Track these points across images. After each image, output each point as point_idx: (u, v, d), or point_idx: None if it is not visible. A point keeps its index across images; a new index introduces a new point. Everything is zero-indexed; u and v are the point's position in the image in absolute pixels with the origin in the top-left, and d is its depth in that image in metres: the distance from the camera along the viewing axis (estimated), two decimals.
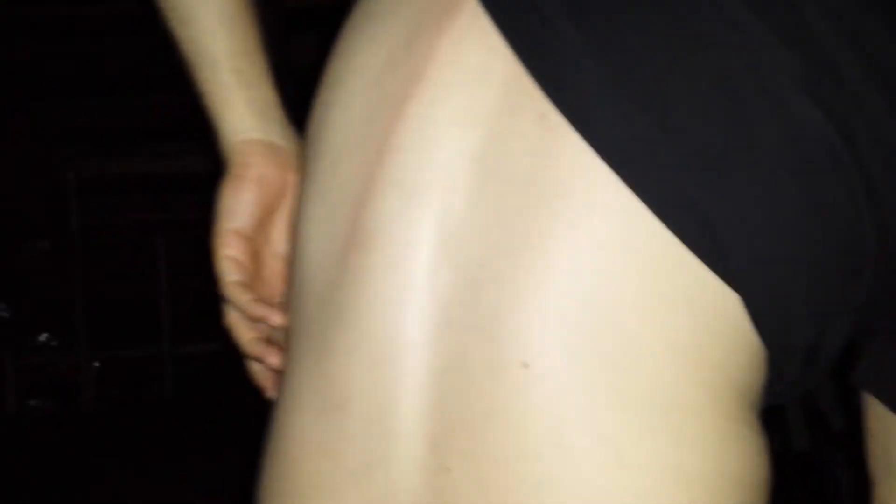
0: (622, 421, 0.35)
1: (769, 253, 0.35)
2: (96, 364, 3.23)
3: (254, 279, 0.48)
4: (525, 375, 0.35)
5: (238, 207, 0.48)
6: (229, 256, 0.47)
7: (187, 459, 2.32)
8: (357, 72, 0.42)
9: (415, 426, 0.37)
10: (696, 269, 0.35)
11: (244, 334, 0.48)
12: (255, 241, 0.48)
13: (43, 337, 3.25)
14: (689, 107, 0.35)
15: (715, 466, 0.36)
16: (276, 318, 0.46)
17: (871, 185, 0.36)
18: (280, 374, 0.45)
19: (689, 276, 0.35)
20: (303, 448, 0.40)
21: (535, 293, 0.35)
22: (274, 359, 0.46)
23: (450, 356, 0.37)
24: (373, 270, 0.38)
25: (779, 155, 0.35)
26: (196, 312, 2.36)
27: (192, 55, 0.49)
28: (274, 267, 0.49)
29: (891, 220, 0.36)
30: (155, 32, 0.50)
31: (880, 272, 0.37)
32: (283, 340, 0.46)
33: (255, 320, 0.47)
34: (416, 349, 0.37)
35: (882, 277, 0.37)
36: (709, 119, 0.35)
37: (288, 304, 0.45)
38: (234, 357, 0.49)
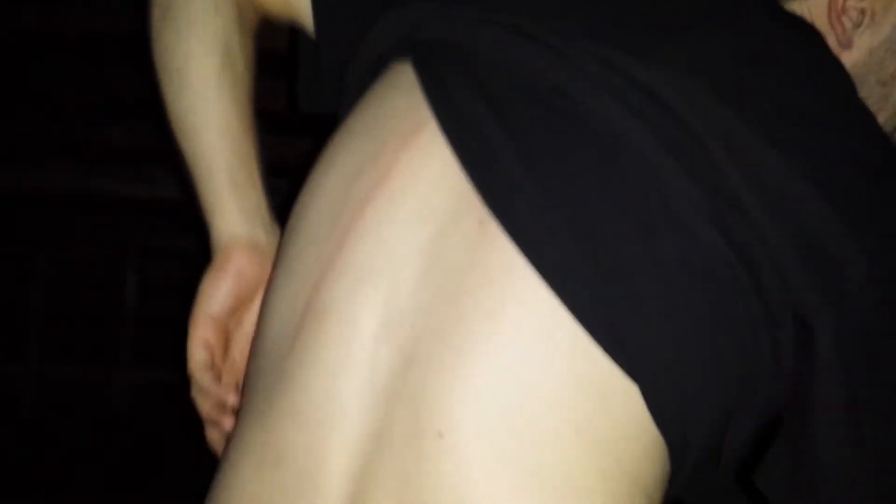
0: (523, 495, 0.38)
1: (666, 348, 0.41)
2: None
3: (222, 357, 0.55)
4: (438, 444, 0.39)
5: (215, 295, 0.54)
6: (200, 338, 0.54)
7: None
8: (332, 175, 0.49)
9: (340, 485, 0.41)
10: (601, 360, 0.40)
11: (203, 405, 0.54)
12: (226, 325, 0.55)
13: None
14: (605, 227, 0.42)
15: None
16: (231, 399, 0.53)
17: (769, 306, 0.42)
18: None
19: (594, 365, 0.40)
20: (239, 500, 0.43)
21: (456, 371, 0.40)
22: (227, 423, 0.53)
23: (378, 423, 0.41)
24: (320, 343, 0.43)
25: (681, 272, 0.41)
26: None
27: (192, 164, 0.56)
28: (242, 347, 0.56)
29: (784, 339, 0.42)
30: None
31: (773, 383, 0.43)
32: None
33: (212, 397, 0.53)
34: (350, 415, 0.42)
35: (775, 388, 0.43)
36: (621, 237, 0.41)
37: (247, 372, 0.50)
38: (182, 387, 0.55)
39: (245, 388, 0.49)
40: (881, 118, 0.55)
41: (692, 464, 0.44)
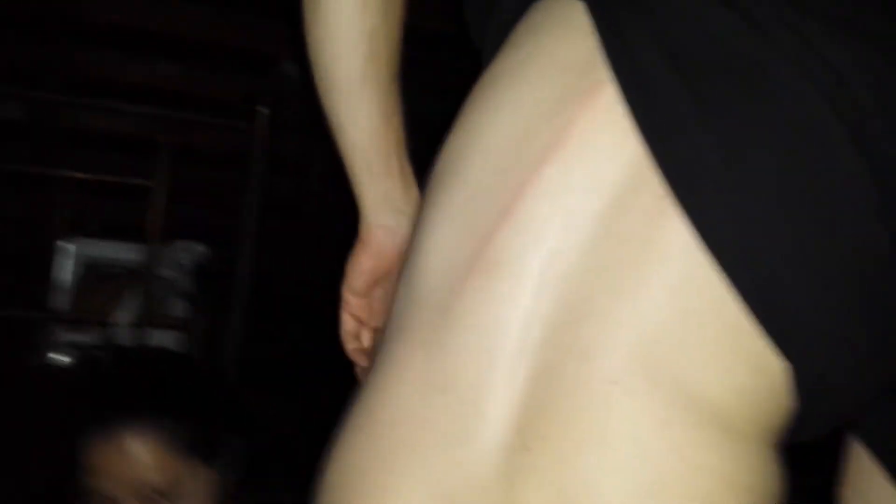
0: (692, 436, 0.41)
1: (822, 337, 0.43)
2: None
3: (362, 324, 0.70)
4: (613, 390, 0.42)
5: (357, 270, 0.68)
6: (348, 311, 0.70)
7: None
8: (497, 126, 0.49)
9: (504, 412, 0.43)
10: (755, 336, 0.42)
11: (359, 367, 0.71)
12: (370, 296, 0.69)
13: None
14: (785, 214, 0.42)
15: (758, 480, 0.43)
16: (363, 363, 0.69)
17: None
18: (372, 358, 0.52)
19: (749, 340, 0.42)
20: (400, 416, 0.46)
21: (624, 328, 0.42)
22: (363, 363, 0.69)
23: (546, 366, 0.43)
24: (491, 291, 0.45)
25: (849, 266, 0.43)
26: None
27: (342, 154, 0.65)
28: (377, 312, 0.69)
29: None
30: None
31: None
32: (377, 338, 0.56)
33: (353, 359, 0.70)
34: (517, 356, 0.44)
35: None
36: (801, 225, 0.42)
37: (396, 306, 0.51)
38: None
39: (396, 320, 0.50)
40: None
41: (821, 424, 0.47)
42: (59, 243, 2.19)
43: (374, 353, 0.51)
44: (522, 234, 0.45)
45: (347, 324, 0.70)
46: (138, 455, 0.92)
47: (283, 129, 2.12)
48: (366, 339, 0.71)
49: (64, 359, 2.13)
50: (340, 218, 0.77)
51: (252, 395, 1.69)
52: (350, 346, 0.70)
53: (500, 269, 0.45)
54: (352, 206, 0.67)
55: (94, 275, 2.20)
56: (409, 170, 0.67)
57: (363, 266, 0.67)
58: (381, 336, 0.52)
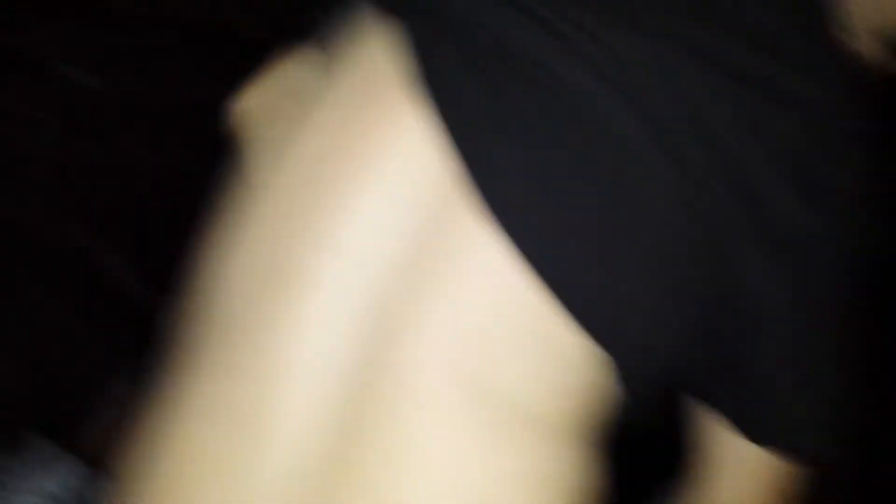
0: (512, 445, 0.41)
1: (640, 324, 0.43)
2: None
3: None
4: (430, 409, 0.41)
5: None
6: None
7: None
8: (297, 143, 0.47)
9: (314, 439, 0.42)
10: (569, 335, 0.41)
11: None
12: None
13: None
14: (585, 205, 0.42)
15: (581, 479, 0.43)
16: None
17: (724, 251, 0.43)
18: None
19: (563, 340, 0.42)
20: (193, 451, 0.44)
21: (437, 343, 0.41)
22: None
23: (357, 387, 0.42)
24: (291, 309, 0.43)
25: (657, 251, 0.42)
26: None
27: None
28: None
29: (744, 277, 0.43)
30: None
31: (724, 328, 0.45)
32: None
33: None
34: (324, 378, 0.43)
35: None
36: (605, 222, 0.42)
37: (184, 331, 0.49)
38: None
39: (189, 343, 0.48)
40: (877, 21, 0.50)
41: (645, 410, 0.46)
42: None
43: (166, 376, 0.49)
44: (323, 248, 0.43)
45: None
46: None
47: None
48: None
49: None
50: None
51: None
52: None
53: (300, 286, 0.43)
54: None
55: None
56: None
57: None
58: (175, 359, 0.49)
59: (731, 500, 0.50)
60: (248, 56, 0.54)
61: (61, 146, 1.04)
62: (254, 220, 0.46)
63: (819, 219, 0.43)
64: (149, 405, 0.48)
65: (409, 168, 0.43)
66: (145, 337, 0.59)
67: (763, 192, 0.42)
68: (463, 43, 0.44)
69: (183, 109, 1.03)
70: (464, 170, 0.42)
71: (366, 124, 0.45)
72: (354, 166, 0.44)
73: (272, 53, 0.54)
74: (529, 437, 0.41)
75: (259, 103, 0.52)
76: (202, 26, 1.09)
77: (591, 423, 0.43)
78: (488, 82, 0.42)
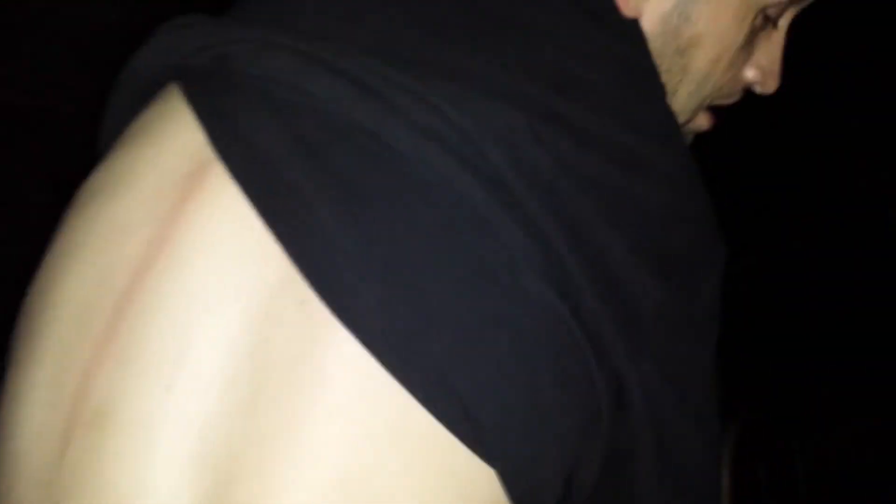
0: None
1: (522, 429, 0.36)
2: None
3: None
4: None
5: None
6: None
7: None
8: (90, 231, 0.39)
9: None
10: (457, 448, 0.34)
11: None
12: None
13: None
14: (446, 296, 0.35)
15: None
16: None
17: (601, 350, 0.37)
18: None
19: (451, 454, 0.34)
20: None
21: (290, 484, 0.34)
22: None
23: None
24: (99, 450, 0.35)
25: (529, 338, 0.36)
26: None
27: None
28: None
29: (619, 376, 0.38)
30: None
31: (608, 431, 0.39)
32: None
33: None
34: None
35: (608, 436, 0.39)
36: (465, 307, 0.35)
37: None
38: None
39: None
40: (684, 91, 0.48)
41: None
42: None
43: None
44: (130, 365, 0.36)
45: None
46: None
47: None
48: None
49: None
50: None
51: None
52: None
53: (109, 421, 0.35)
54: None
55: None
56: None
57: None
58: None
59: None
60: None
61: None
62: (40, 343, 0.39)
63: (666, 289, 0.39)
64: None
65: (220, 254, 0.36)
66: None
67: (611, 264, 0.37)
68: (275, 108, 0.38)
69: None
70: (304, 270, 0.35)
71: (160, 207, 0.38)
72: (149, 259, 0.37)
73: None
74: None
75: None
76: None
77: None
78: (314, 157, 0.36)
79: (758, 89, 0.53)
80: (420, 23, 0.40)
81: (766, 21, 0.49)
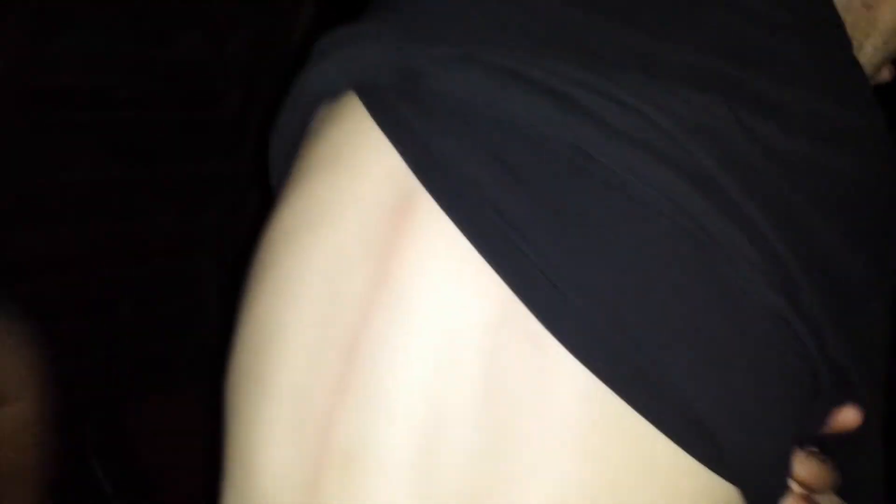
0: None
1: (760, 445, 0.35)
2: None
3: None
4: None
5: None
6: None
7: None
8: (302, 259, 0.39)
9: None
10: (700, 471, 0.34)
11: None
12: None
13: None
14: (682, 319, 0.34)
15: None
16: None
17: (821, 343, 0.36)
18: None
19: (694, 478, 0.34)
20: None
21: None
22: None
23: None
24: (349, 491, 0.35)
25: (763, 351, 0.35)
26: None
27: None
28: None
29: (839, 367, 0.37)
30: None
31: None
32: None
33: None
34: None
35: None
36: (703, 330, 0.34)
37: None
38: None
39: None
40: (870, 45, 0.47)
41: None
42: None
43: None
44: (373, 412, 0.35)
45: None
46: None
47: None
48: None
49: None
50: None
51: None
52: None
53: (357, 463, 0.35)
54: None
55: None
56: None
57: None
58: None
59: None
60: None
61: None
62: (272, 388, 0.39)
63: (871, 271, 0.38)
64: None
65: (442, 293, 0.35)
66: None
67: (824, 252, 0.36)
68: (474, 129, 0.36)
69: None
70: (530, 305, 0.34)
71: (378, 240, 0.37)
72: (380, 299, 0.36)
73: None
74: None
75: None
76: None
77: None
78: (524, 184, 0.34)
79: None
80: (594, 6, 0.38)
81: None
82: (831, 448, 0.41)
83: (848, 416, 0.39)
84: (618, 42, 0.37)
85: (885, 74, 0.52)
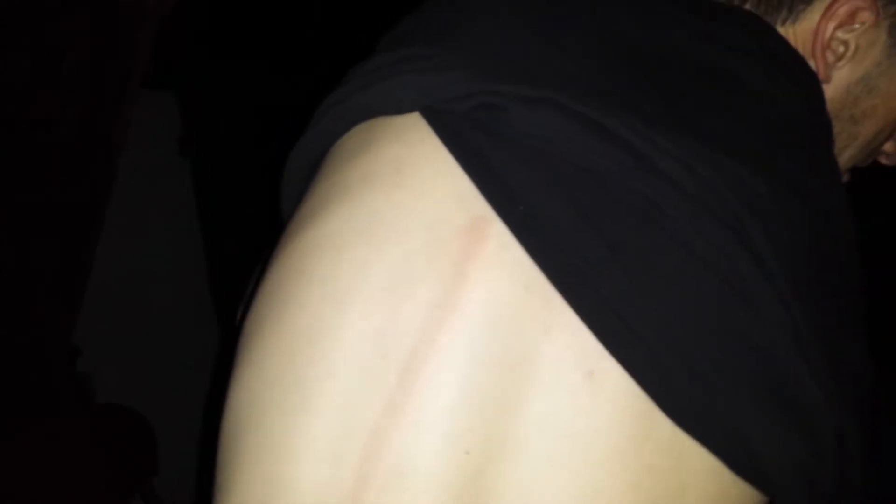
0: None
1: (794, 471, 0.39)
2: None
3: None
4: None
5: None
6: None
7: None
8: (352, 269, 0.39)
9: None
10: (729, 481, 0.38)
11: None
12: None
13: None
14: (727, 366, 0.37)
15: None
16: None
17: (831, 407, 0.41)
18: None
19: (722, 486, 0.39)
20: None
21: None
22: None
23: None
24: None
25: (784, 394, 0.39)
26: None
27: None
28: None
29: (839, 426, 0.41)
30: None
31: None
32: None
33: None
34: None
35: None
36: (734, 363, 0.38)
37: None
38: None
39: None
40: (846, 154, 0.55)
41: None
42: None
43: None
44: (425, 431, 0.36)
45: None
46: None
47: None
48: None
49: None
50: None
51: None
52: None
53: (405, 480, 0.35)
54: None
55: None
56: None
57: None
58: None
59: None
60: None
61: None
62: (319, 399, 0.38)
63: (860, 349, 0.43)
64: None
65: (507, 315, 0.37)
66: None
67: (829, 329, 0.41)
68: (547, 166, 0.38)
69: None
70: (604, 340, 0.36)
71: (447, 261, 0.38)
72: (439, 318, 0.37)
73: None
74: None
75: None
76: None
77: None
78: (597, 226, 0.37)
79: (883, 160, 0.60)
80: (654, 76, 0.41)
81: None
82: None
83: None
84: (676, 106, 0.40)
85: (845, 178, 0.59)
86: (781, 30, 0.52)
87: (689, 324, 0.37)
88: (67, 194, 1.51)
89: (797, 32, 0.52)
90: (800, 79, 0.46)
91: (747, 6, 0.53)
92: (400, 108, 0.42)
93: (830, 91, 0.51)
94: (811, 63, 0.51)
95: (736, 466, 0.38)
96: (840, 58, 0.51)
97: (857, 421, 0.42)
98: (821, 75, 0.51)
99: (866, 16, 0.51)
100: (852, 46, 0.51)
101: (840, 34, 0.51)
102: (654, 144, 0.38)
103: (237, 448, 0.39)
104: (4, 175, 1.42)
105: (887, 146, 0.58)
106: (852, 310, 0.44)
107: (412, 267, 0.38)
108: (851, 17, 0.51)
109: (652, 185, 0.38)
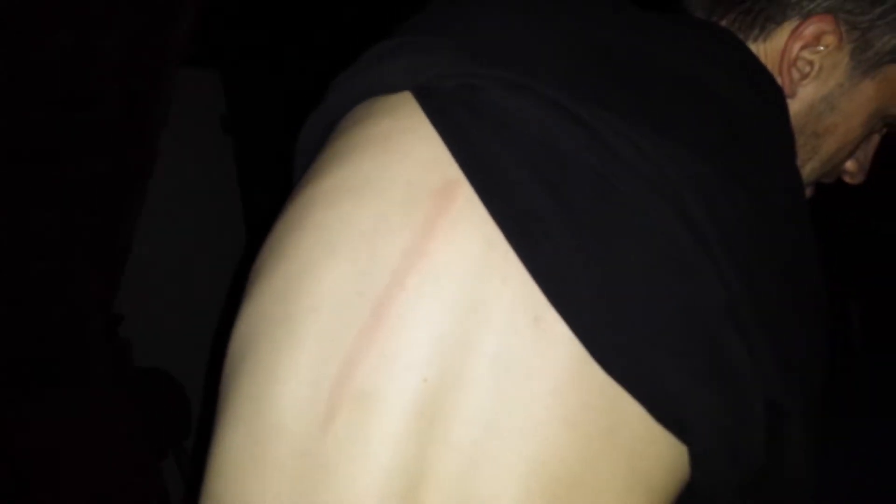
0: None
1: (710, 414, 0.42)
2: None
3: None
4: None
5: None
6: None
7: None
8: (342, 219, 0.44)
9: None
10: (657, 439, 0.41)
11: None
12: None
13: None
14: (656, 314, 0.41)
15: None
16: None
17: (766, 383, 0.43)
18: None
19: (653, 446, 0.41)
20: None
21: (522, 472, 0.39)
22: None
23: None
24: (364, 433, 0.40)
25: (712, 352, 0.42)
26: None
27: None
28: None
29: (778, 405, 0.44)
30: None
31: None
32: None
33: None
34: None
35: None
36: (670, 324, 0.41)
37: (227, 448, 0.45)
38: None
39: (239, 466, 0.44)
40: (808, 167, 0.58)
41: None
42: None
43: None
44: (392, 362, 0.41)
45: None
46: None
47: None
48: None
49: None
50: None
51: None
52: None
53: (370, 401, 0.40)
54: None
55: None
56: None
57: None
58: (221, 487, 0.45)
59: None
60: None
61: None
62: (301, 328, 0.43)
63: (810, 334, 0.46)
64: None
65: (468, 267, 0.41)
66: None
67: (772, 309, 0.43)
68: (517, 141, 0.43)
69: None
70: (546, 290, 0.40)
71: (416, 216, 0.42)
72: (408, 264, 0.42)
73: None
74: None
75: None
76: None
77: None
78: (555, 193, 0.41)
79: (847, 178, 0.63)
80: (623, 75, 0.45)
81: (880, 127, 0.59)
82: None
83: None
84: (639, 99, 0.44)
85: (808, 192, 0.62)
86: (753, 46, 0.58)
87: (626, 283, 0.41)
88: (109, 169, 1.57)
89: (767, 50, 0.57)
90: (765, 89, 0.50)
91: (724, 23, 0.59)
92: (393, 88, 0.47)
93: (796, 106, 0.56)
94: (778, 79, 0.55)
95: (658, 414, 0.40)
96: (805, 76, 0.56)
97: (803, 404, 0.44)
98: (786, 90, 0.55)
99: (830, 39, 0.55)
100: (817, 66, 0.56)
101: (806, 54, 0.56)
102: (608, 125, 0.42)
103: (234, 374, 0.45)
104: (48, 150, 1.48)
105: (849, 165, 0.62)
106: (806, 301, 0.46)
107: (391, 219, 0.43)
108: (817, 39, 0.56)
109: (604, 161, 0.42)
